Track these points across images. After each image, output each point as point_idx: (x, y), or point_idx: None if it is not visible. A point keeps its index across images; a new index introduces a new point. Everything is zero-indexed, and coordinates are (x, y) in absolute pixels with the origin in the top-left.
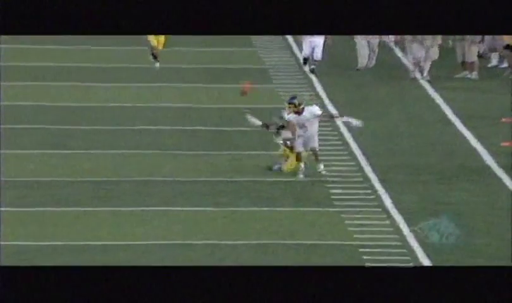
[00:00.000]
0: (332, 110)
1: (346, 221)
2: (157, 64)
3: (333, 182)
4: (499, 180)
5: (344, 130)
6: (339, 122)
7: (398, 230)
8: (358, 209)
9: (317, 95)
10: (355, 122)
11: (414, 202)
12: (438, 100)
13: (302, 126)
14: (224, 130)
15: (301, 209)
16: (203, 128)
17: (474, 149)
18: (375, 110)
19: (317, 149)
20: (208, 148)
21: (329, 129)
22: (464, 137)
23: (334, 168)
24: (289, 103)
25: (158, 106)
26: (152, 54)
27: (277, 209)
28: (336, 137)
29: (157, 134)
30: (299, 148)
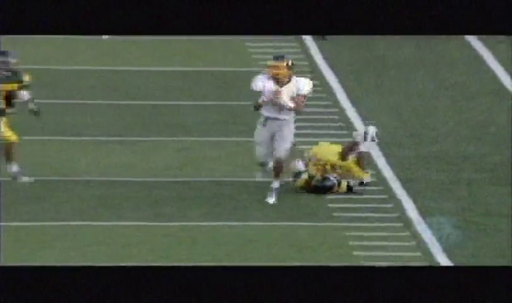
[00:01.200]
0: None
1: (351, 242)
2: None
3: None
4: None
5: (347, 105)
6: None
7: (429, 256)
8: (368, 224)
9: (309, 57)
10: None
11: (454, 213)
12: (490, 60)
13: (275, 104)
14: (169, 105)
15: (286, 223)
16: (137, 102)
17: None
18: (395, 76)
19: (282, 159)
20: (145, 132)
21: (325, 102)
22: None
23: None
24: (275, 60)
25: (69, 69)
26: None
27: (251, 223)
28: (336, 116)
29: (68, 111)
30: (259, 150)
